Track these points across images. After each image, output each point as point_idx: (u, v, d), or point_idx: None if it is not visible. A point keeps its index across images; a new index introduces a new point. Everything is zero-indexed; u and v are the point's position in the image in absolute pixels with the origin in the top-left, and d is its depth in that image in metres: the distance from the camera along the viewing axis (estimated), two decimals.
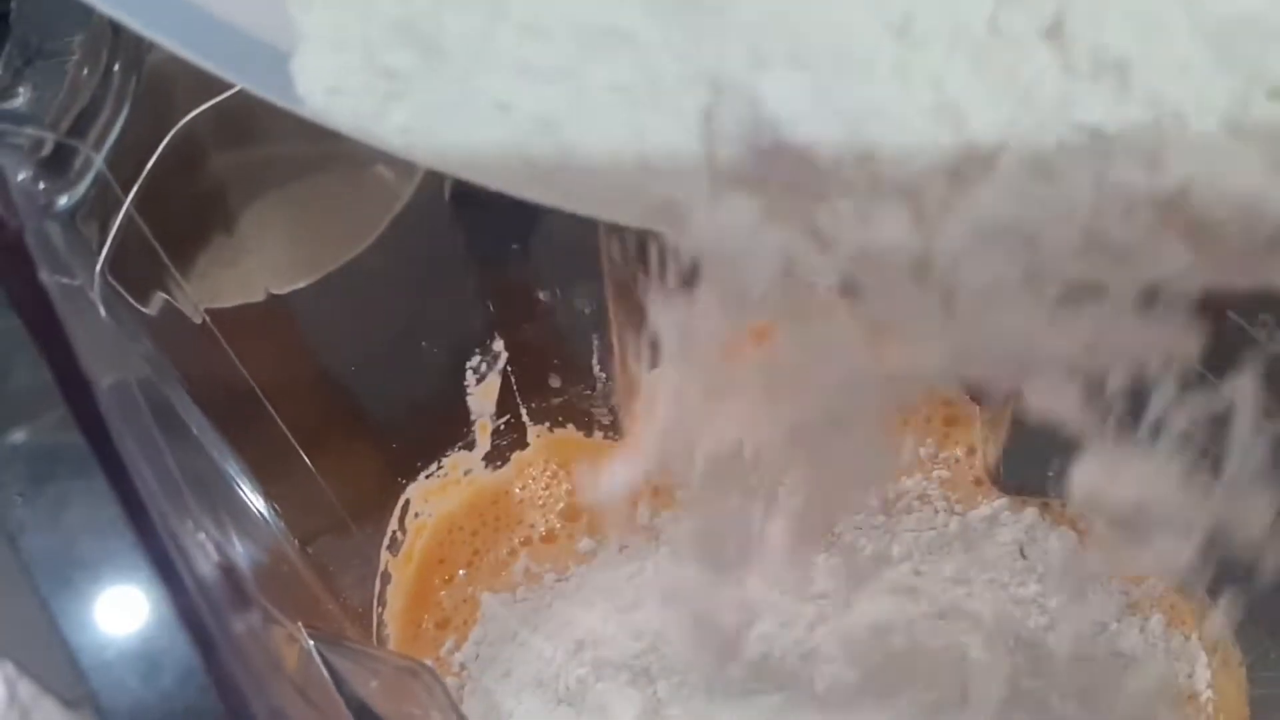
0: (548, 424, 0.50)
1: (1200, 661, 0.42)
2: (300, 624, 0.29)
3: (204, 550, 0.22)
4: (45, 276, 0.24)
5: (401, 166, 0.51)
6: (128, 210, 0.30)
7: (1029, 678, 0.37)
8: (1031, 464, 0.45)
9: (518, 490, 0.49)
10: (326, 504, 0.44)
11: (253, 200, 0.49)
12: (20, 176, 0.27)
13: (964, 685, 0.37)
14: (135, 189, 0.30)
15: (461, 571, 0.47)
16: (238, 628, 0.20)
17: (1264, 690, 0.41)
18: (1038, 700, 0.37)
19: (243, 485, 0.37)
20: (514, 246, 0.42)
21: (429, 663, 0.43)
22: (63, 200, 0.28)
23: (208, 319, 0.37)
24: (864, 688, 0.37)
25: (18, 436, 0.52)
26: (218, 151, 0.46)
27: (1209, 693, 0.41)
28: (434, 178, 0.42)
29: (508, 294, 0.45)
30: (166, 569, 0.20)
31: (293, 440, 0.41)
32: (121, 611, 0.51)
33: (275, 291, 0.41)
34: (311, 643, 0.28)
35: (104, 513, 0.54)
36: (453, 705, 0.28)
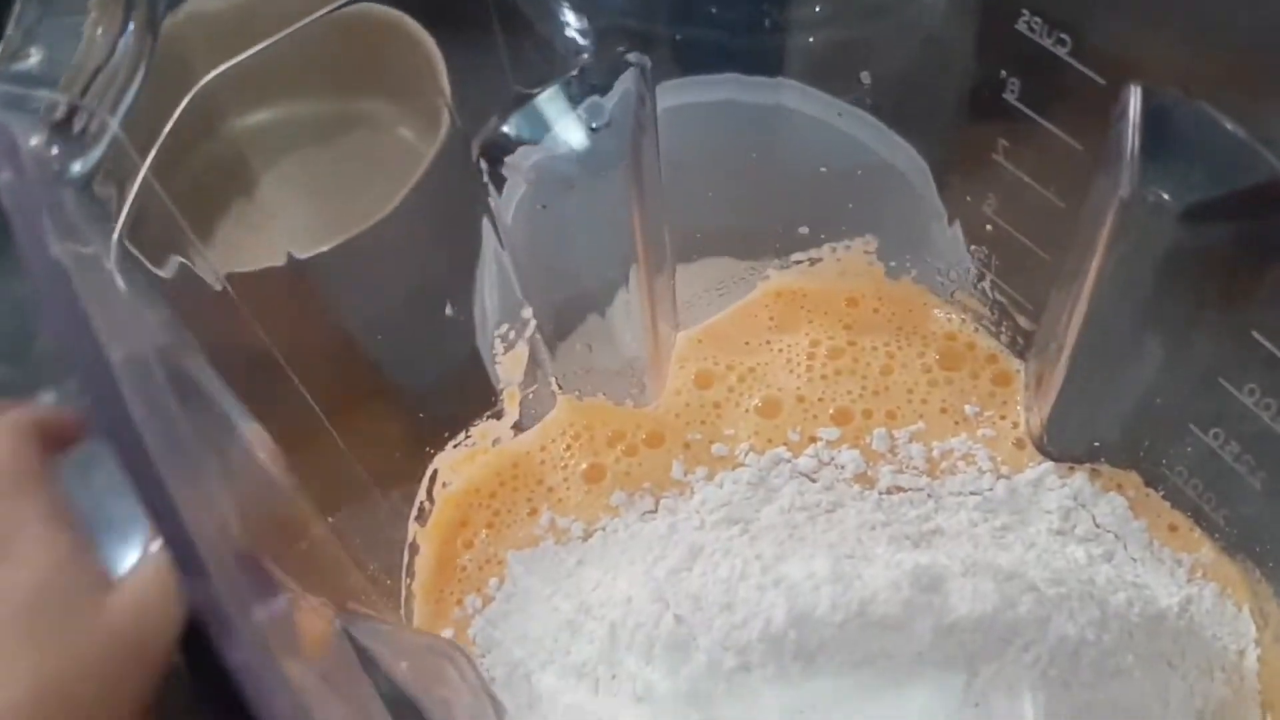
0: (577, 392, 0.49)
1: (1250, 634, 0.41)
2: (327, 603, 0.28)
3: (222, 530, 0.21)
4: (58, 246, 0.23)
5: (423, 127, 0.50)
6: (145, 176, 0.29)
7: (1076, 644, 0.36)
8: (1076, 434, 0.44)
9: (539, 451, 0.48)
10: (353, 475, 0.43)
11: (274, 163, 0.48)
12: (33, 141, 0.26)
13: (1016, 645, 0.36)
14: (153, 154, 0.29)
15: (483, 533, 0.46)
16: (259, 614, 0.19)
17: None
18: (1082, 667, 0.36)
19: (265, 455, 0.36)
20: (540, 207, 0.41)
21: (449, 633, 0.42)
22: (77, 166, 0.27)
23: (228, 285, 0.36)
24: (921, 654, 0.36)
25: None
26: (237, 113, 0.45)
27: (1257, 665, 0.40)
28: (457, 139, 0.41)
29: (535, 261, 0.44)
30: (182, 553, 0.19)
31: (317, 409, 0.41)
32: None
33: (297, 255, 0.40)
34: (338, 623, 0.28)
35: None
36: (484, 687, 0.28)
